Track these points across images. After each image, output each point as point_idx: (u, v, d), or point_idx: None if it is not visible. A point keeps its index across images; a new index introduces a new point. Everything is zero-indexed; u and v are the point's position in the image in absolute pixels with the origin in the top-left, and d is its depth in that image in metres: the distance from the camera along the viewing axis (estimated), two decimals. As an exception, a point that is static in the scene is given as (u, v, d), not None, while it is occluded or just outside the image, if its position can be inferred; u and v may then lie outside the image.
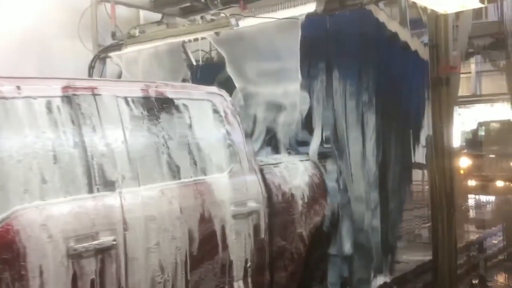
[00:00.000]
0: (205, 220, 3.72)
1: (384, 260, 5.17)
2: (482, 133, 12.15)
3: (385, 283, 5.60)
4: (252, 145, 4.64)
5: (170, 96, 3.86)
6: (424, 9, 4.65)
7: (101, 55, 6.87)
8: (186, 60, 6.51)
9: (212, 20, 5.32)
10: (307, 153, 5.03)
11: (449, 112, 4.75)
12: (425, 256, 6.38)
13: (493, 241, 7.44)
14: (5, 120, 2.96)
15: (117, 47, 6.57)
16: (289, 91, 5.08)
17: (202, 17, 5.59)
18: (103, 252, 3.15)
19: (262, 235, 4.14)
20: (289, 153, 5.11)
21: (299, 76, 4.98)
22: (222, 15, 5.37)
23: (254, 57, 5.27)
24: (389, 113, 5.08)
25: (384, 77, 5.00)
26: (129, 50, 6.37)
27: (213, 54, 7.30)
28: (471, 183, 9.97)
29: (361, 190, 4.95)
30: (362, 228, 4.95)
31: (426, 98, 5.21)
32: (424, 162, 5.75)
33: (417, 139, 5.53)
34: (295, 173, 4.64)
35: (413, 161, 5.67)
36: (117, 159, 3.35)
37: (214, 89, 4.26)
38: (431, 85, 4.73)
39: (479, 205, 10.91)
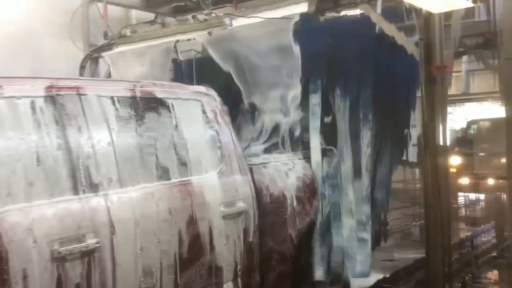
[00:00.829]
0: (194, 221, 3.68)
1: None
2: (472, 131, 12.25)
3: (378, 281, 5.65)
4: (244, 145, 4.64)
5: (157, 95, 3.81)
6: (415, 8, 4.67)
7: (93, 55, 6.84)
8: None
9: (205, 20, 5.32)
10: (300, 153, 5.03)
11: (441, 111, 4.79)
12: (417, 254, 6.43)
13: (484, 239, 7.50)
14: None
15: (108, 47, 6.55)
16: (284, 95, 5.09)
17: (193, 17, 5.58)
18: (89, 255, 3.10)
19: (252, 236, 4.11)
20: (279, 152, 5.12)
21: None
22: (214, 15, 5.37)
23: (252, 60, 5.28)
24: (385, 119, 5.10)
25: (381, 82, 5.01)
26: (120, 50, 6.35)
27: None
28: (462, 181, 10.03)
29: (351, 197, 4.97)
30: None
31: (418, 97, 5.22)
32: (416, 161, 5.79)
33: (409, 138, 5.55)
34: (285, 173, 4.63)
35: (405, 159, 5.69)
36: (103, 160, 3.31)
37: (202, 88, 4.20)
38: (423, 84, 4.75)
39: (469, 203, 10.99)
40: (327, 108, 5.08)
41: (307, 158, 4.97)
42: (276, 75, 5.14)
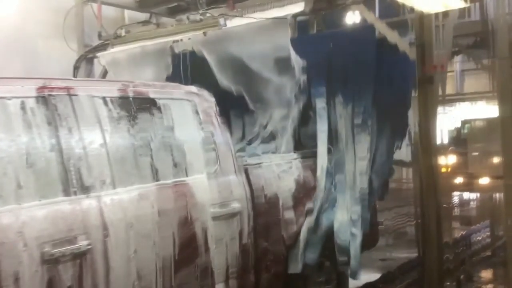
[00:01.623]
0: (188, 222, 3.66)
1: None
2: (466, 131, 12.31)
3: (370, 282, 5.67)
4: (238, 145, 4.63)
5: (149, 96, 3.77)
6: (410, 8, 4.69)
7: (87, 55, 6.83)
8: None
9: (200, 20, 5.32)
10: (297, 153, 5.05)
11: (435, 111, 4.81)
12: (411, 253, 6.46)
13: (478, 238, 7.54)
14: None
15: (103, 47, 6.53)
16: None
17: (188, 17, 5.57)
18: (81, 257, 3.07)
19: (246, 237, 4.09)
20: (273, 152, 5.11)
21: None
22: (209, 15, 5.37)
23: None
24: (384, 123, 5.12)
25: (381, 86, 5.03)
26: (115, 50, 6.33)
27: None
28: (456, 180, 10.07)
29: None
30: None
31: (412, 97, 5.24)
32: (409, 160, 5.81)
33: (403, 138, 5.56)
34: (280, 173, 4.61)
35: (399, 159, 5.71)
36: (95, 162, 3.27)
37: (194, 89, 4.17)
38: (417, 84, 4.77)
39: (463, 203, 11.04)
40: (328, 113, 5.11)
41: (303, 157, 4.97)
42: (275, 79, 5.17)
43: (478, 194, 10.56)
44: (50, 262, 2.94)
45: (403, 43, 4.78)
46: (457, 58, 10.20)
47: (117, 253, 3.25)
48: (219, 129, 4.14)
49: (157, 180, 3.60)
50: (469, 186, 10.04)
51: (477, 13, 6.32)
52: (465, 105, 14.01)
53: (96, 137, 3.34)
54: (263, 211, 4.31)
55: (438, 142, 4.79)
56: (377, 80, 4.90)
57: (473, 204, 10.97)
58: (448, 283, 5.31)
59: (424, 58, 4.66)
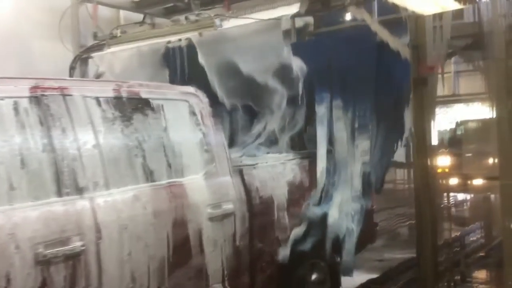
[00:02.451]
0: (182, 223, 3.64)
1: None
2: (461, 132, 12.35)
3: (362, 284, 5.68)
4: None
5: (144, 96, 3.75)
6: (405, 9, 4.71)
7: (82, 56, 6.82)
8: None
9: (196, 20, 5.32)
10: (292, 154, 5.05)
11: (430, 112, 4.83)
12: (407, 254, 6.48)
13: (473, 238, 7.56)
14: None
15: (98, 47, 6.53)
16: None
17: (186, 18, 5.57)
18: (74, 258, 3.05)
19: (241, 238, 4.08)
20: (267, 152, 5.12)
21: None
22: (206, 15, 5.38)
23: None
24: (382, 126, 5.14)
25: (381, 89, 5.05)
26: (112, 50, 6.33)
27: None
28: (451, 181, 10.10)
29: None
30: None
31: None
32: (404, 161, 5.83)
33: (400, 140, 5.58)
34: (275, 174, 4.60)
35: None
36: (88, 162, 3.25)
37: (190, 89, 4.14)
38: (412, 85, 4.79)
39: (458, 203, 11.08)
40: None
41: (299, 158, 4.98)
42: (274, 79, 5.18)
43: (473, 195, 10.61)
44: (43, 263, 2.91)
45: (398, 43, 4.80)
46: (453, 60, 10.21)
47: (110, 255, 3.23)
48: (214, 129, 4.12)
49: (152, 181, 3.58)
50: (464, 186, 10.08)
51: (473, 14, 6.34)
52: (460, 106, 14.05)
53: (89, 137, 3.32)
54: (258, 212, 4.30)
55: (433, 143, 4.79)
56: (377, 82, 4.93)
57: (467, 205, 11.00)
58: (444, 284, 5.32)
59: (419, 59, 4.68)
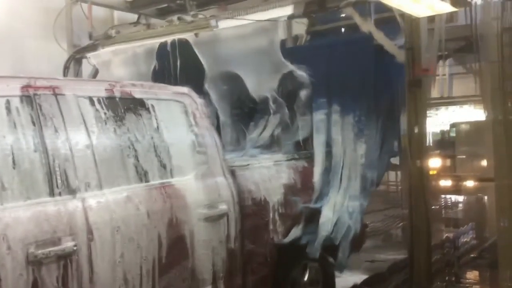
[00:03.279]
0: (175, 224, 3.62)
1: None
2: (454, 134, 12.40)
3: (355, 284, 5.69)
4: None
5: (137, 96, 3.72)
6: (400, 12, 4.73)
7: (76, 56, 6.81)
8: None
9: (192, 21, 5.32)
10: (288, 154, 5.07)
11: (424, 114, 4.85)
12: (399, 255, 6.50)
13: (465, 239, 7.60)
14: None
15: (93, 47, 6.52)
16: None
17: (179, 18, 5.57)
18: (65, 259, 3.03)
19: (234, 239, 4.06)
20: (261, 153, 5.13)
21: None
22: (201, 16, 5.38)
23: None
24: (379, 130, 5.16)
25: (378, 94, 5.08)
26: (105, 51, 6.32)
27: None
28: (444, 183, 10.14)
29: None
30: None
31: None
32: (398, 163, 5.84)
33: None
34: (269, 175, 4.59)
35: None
36: (81, 162, 3.23)
37: (183, 89, 4.12)
38: (406, 87, 4.81)
39: (450, 205, 11.13)
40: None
41: (294, 159, 4.99)
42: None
43: (465, 197, 10.66)
44: (35, 264, 2.89)
45: (392, 45, 4.82)
46: (447, 62, 10.26)
47: (103, 256, 3.20)
48: (207, 130, 4.11)
49: (145, 182, 3.56)
50: (457, 188, 10.12)
51: (466, 17, 6.38)
52: (454, 109, 14.11)
53: (82, 137, 3.29)
54: (251, 213, 4.28)
55: (427, 145, 4.82)
56: (375, 86, 4.95)
57: (460, 206, 11.05)
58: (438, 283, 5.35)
59: (414, 61, 4.71)
